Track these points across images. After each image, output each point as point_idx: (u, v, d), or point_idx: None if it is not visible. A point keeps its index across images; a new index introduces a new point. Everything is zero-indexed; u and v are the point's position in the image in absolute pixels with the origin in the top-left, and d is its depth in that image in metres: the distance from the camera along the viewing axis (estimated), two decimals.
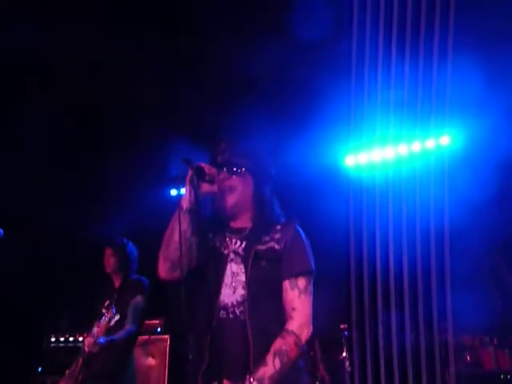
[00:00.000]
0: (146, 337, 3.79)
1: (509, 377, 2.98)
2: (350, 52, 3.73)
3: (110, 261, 3.48)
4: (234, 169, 1.86)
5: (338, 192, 3.70)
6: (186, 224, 1.78)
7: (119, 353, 3.25)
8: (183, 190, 1.86)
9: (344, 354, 3.34)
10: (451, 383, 3.13)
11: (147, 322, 3.88)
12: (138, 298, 3.37)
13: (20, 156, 3.99)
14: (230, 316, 1.77)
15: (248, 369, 1.69)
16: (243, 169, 1.87)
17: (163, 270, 1.83)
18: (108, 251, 3.51)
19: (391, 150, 3.67)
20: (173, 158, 4.56)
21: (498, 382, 3.00)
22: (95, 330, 3.24)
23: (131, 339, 3.33)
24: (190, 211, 1.79)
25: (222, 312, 1.78)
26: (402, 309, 3.36)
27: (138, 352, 3.74)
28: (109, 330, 3.11)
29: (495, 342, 3.11)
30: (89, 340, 3.12)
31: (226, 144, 1.94)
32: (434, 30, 3.44)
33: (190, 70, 3.78)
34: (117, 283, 3.52)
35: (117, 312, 3.16)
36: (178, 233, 1.76)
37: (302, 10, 3.33)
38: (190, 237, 1.78)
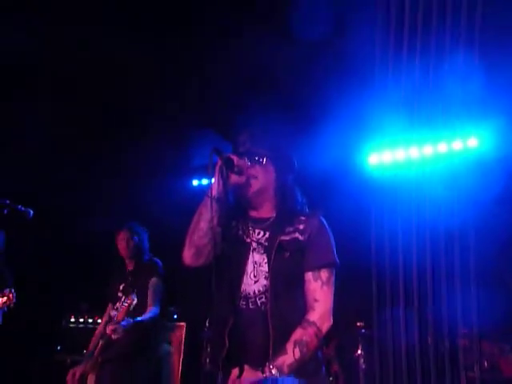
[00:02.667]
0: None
1: None
2: (375, 50, 3.70)
3: (123, 244, 3.43)
4: (256, 158, 1.87)
5: (361, 190, 3.69)
6: (212, 212, 1.79)
7: (143, 335, 3.20)
8: (212, 180, 1.88)
9: (359, 352, 3.33)
10: None
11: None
12: (155, 280, 3.32)
13: (42, 147, 4.03)
14: (251, 305, 1.79)
15: (268, 357, 1.70)
16: (265, 158, 1.88)
17: (188, 256, 1.85)
18: (121, 235, 3.46)
19: (416, 150, 3.63)
20: (195, 148, 4.59)
21: None
22: (114, 313, 3.21)
23: (156, 321, 3.26)
24: (218, 200, 1.81)
25: (243, 301, 1.80)
26: (423, 308, 3.33)
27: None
28: (129, 314, 3.07)
29: None
30: (111, 325, 3.06)
31: (248, 134, 1.94)
32: (460, 28, 3.39)
33: (214, 61, 3.80)
34: (130, 266, 3.46)
35: (135, 295, 3.12)
36: (204, 220, 1.80)
37: (322, 8, 3.33)
38: (215, 225, 1.80)
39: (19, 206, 2.65)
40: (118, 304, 3.29)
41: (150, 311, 3.20)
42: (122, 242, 3.45)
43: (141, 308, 3.18)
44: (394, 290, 3.47)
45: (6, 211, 2.59)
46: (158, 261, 3.43)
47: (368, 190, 3.72)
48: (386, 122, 3.66)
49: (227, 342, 1.75)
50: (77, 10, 3.58)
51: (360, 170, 3.81)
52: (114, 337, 3.05)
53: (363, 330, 3.37)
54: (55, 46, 3.70)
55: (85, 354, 3.28)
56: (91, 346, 3.31)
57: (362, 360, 3.27)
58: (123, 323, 3.04)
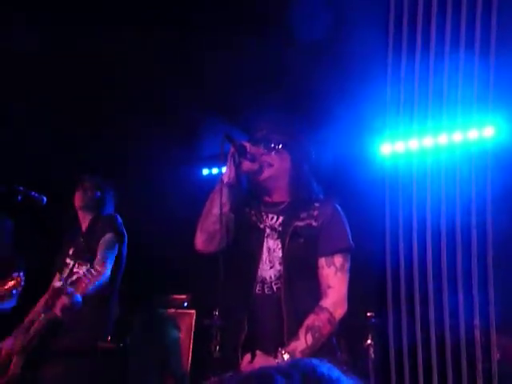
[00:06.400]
0: (173, 310, 3.84)
1: None
2: (387, 38, 3.64)
3: (80, 195, 2.79)
4: (272, 145, 1.87)
5: (374, 180, 3.65)
6: (225, 198, 1.79)
7: (97, 309, 2.55)
8: (224, 167, 1.88)
9: (369, 342, 3.31)
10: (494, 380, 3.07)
11: (174, 296, 3.93)
12: (109, 236, 2.64)
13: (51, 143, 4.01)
14: (267, 291, 1.78)
15: (281, 342, 1.70)
16: (280, 145, 1.87)
17: (200, 241, 1.85)
18: (80, 186, 2.80)
19: (429, 139, 3.59)
20: (205, 137, 4.57)
21: None
22: (59, 285, 2.48)
23: (108, 288, 2.56)
24: (230, 186, 1.82)
25: (259, 286, 1.79)
26: (439, 299, 3.30)
27: (164, 324, 3.80)
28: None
29: None
30: (62, 301, 2.31)
31: (265, 121, 1.95)
32: (475, 17, 3.32)
33: (227, 49, 3.76)
34: (84, 224, 2.80)
35: (86, 260, 2.48)
36: (216, 206, 1.80)
37: None
38: (228, 211, 1.79)
39: (32, 193, 2.65)
40: (65, 273, 2.62)
41: (98, 275, 2.39)
42: (78, 193, 2.81)
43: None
44: (408, 279, 3.44)
45: (19, 198, 2.59)
46: (116, 214, 2.79)
47: (381, 180, 3.68)
48: (399, 112, 3.61)
49: (246, 327, 1.74)
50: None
51: (373, 159, 3.76)
52: (61, 317, 2.35)
53: (373, 320, 3.34)
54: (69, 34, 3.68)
55: (16, 329, 2.62)
56: (26, 321, 2.64)
57: (371, 350, 3.25)
58: (78, 297, 2.30)
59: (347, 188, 3.24)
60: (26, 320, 2.65)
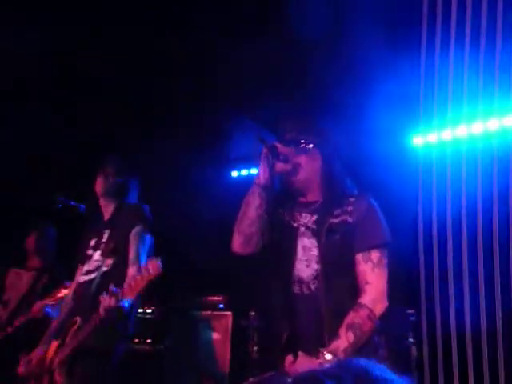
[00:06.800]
0: (209, 312, 3.86)
1: None
2: (421, 28, 3.56)
3: (101, 180, 2.54)
4: (302, 146, 1.86)
5: (407, 173, 3.58)
6: (259, 200, 1.79)
7: (124, 318, 2.25)
8: (258, 168, 1.88)
9: (410, 340, 3.25)
10: None
11: (209, 298, 3.95)
12: (139, 229, 2.40)
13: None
14: (305, 291, 1.77)
15: (322, 342, 1.68)
16: (311, 145, 1.86)
17: (237, 244, 1.86)
18: (110, 167, 2.55)
19: (464, 128, 3.49)
20: (234, 138, 4.58)
21: None
22: (84, 279, 2.36)
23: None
24: (264, 188, 1.82)
25: (297, 286, 1.78)
26: (475, 292, 3.20)
27: (200, 326, 3.82)
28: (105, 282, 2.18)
29: None
30: (106, 300, 2.03)
31: (294, 121, 1.94)
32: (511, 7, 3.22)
33: (254, 49, 3.76)
34: (107, 213, 2.55)
35: (111, 252, 2.29)
36: (251, 208, 1.81)
37: None
38: (263, 213, 1.79)
39: (71, 202, 2.70)
40: (88, 265, 2.41)
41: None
42: (99, 178, 2.56)
43: (117, 272, 2.28)
44: (443, 273, 3.36)
45: (60, 206, 2.66)
46: (144, 205, 2.55)
47: (414, 172, 3.61)
48: (432, 102, 3.53)
49: (288, 327, 1.74)
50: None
51: (405, 151, 3.69)
52: (102, 315, 2.08)
53: (413, 318, 3.27)
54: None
55: (46, 335, 2.39)
56: (54, 326, 2.42)
57: (413, 348, 3.18)
58: (124, 303, 2.02)
59: (379, 182, 3.18)
60: (54, 325, 2.43)
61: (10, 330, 3.07)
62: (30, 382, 2.32)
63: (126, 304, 2.08)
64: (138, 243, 2.38)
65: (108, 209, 2.57)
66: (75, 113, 4.02)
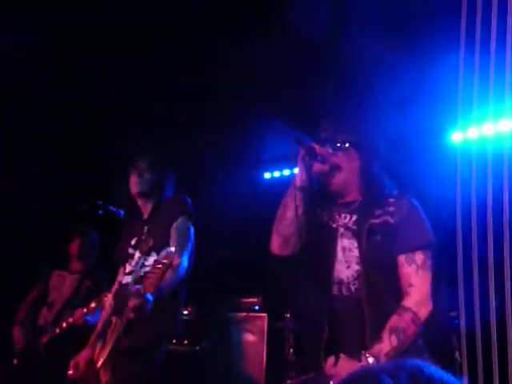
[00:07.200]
0: (245, 314, 3.86)
1: None
2: (459, 21, 3.46)
3: (135, 178, 2.39)
4: (338, 145, 1.82)
5: (446, 169, 3.48)
6: (297, 201, 1.78)
7: (166, 305, 2.17)
8: (296, 170, 1.87)
9: (454, 344, 3.15)
10: None
11: (244, 300, 3.94)
12: (182, 220, 2.29)
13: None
14: (345, 292, 1.75)
15: (363, 344, 1.65)
16: (347, 144, 1.83)
17: (276, 245, 1.86)
18: (141, 164, 2.40)
19: (506, 123, 3.37)
20: (266, 140, 4.56)
21: None
22: (127, 280, 2.28)
23: (186, 281, 2.26)
24: (302, 189, 1.80)
25: (336, 287, 1.76)
26: None
27: (236, 328, 3.82)
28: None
29: None
30: (133, 298, 2.00)
31: (329, 121, 1.91)
32: None
33: (281, 49, 3.73)
34: (145, 212, 2.44)
35: (150, 249, 2.22)
36: (289, 210, 1.80)
37: None
38: (301, 214, 1.77)
39: (111, 207, 2.72)
40: (130, 265, 2.33)
41: (176, 268, 2.10)
42: (133, 176, 2.41)
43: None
44: (483, 272, 3.24)
45: (100, 212, 2.68)
46: (186, 196, 2.43)
47: (453, 170, 3.50)
48: (472, 96, 3.42)
49: (327, 329, 1.71)
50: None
51: (445, 147, 3.60)
52: (131, 316, 2.04)
53: (456, 321, 3.18)
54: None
55: (93, 336, 2.38)
56: (99, 327, 2.39)
57: (457, 353, 3.08)
58: (149, 296, 1.97)
59: (418, 181, 3.11)
60: (98, 326, 2.42)
61: (57, 331, 3.13)
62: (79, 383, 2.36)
63: (150, 298, 2.01)
64: (179, 236, 2.27)
65: (147, 207, 2.45)
66: (113, 119, 4.07)
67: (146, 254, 2.28)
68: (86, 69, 3.72)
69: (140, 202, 2.49)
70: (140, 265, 2.24)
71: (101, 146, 4.12)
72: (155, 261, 2.02)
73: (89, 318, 2.98)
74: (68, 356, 2.50)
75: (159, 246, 2.19)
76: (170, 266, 1.97)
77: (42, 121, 3.77)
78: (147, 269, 2.12)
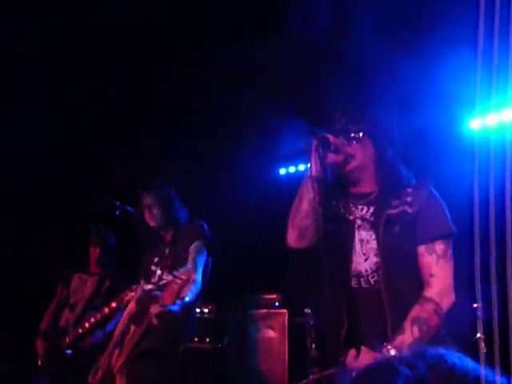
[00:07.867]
0: (265, 310, 3.85)
1: None
2: (476, 5, 3.38)
3: (148, 214, 2.68)
4: (352, 135, 1.80)
5: (464, 157, 3.41)
6: (312, 193, 1.77)
7: (178, 323, 2.47)
8: (310, 161, 1.85)
9: (478, 335, 3.09)
10: None
11: (265, 296, 3.94)
12: (198, 244, 2.61)
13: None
14: (364, 284, 1.73)
15: (385, 337, 1.63)
16: (361, 134, 1.81)
17: (292, 238, 1.85)
18: (143, 202, 2.68)
19: None
20: (281, 135, 4.53)
21: None
22: (148, 287, 2.51)
23: (194, 302, 2.53)
24: (317, 180, 1.78)
25: (354, 280, 1.74)
26: None
27: (257, 325, 3.82)
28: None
29: None
30: (155, 307, 2.31)
31: (342, 111, 1.88)
32: None
33: (297, 46, 3.70)
34: (167, 237, 2.77)
35: (170, 267, 2.49)
36: (305, 201, 1.78)
37: None
38: (316, 205, 1.76)
39: (128, 207, 2.73)
40: (151, 279, 2.60)
41: (190, 286, 2.41)
42: (145, 212, 2.71)
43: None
44: (501, 262, 3.17)
45: (117, 212, 2.69)
46: (202, 222, 2.73)
47: (471, 158, 3.43)
48: (490, 82, 3.34)
49: (346, 322, 1.69)
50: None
51: (463, 134, 3.53)
52: (155, 323, 2.34)
53: (479, 312, 3.11)
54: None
55: (111, 344, 2.59)
56: (117, 335, 2.60)
57: (482, 344, 3.02)
58: (173, 307, 2.28)
59: (434, 169, 3.05)
60: (116, 334, 2.61)
61: (79, 331, 3.16)
62: None
63: (174, 308, 2.31)
64: (195, 255, 2.61)
65: (167, 233, 2.79)
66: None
67: (165, 271, 2.54)
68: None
69: (161, 232, 2.81)
70: (160, 279, 2.51)
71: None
72: (174, 276, 2.35)
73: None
74: (91, 356, 2.53)
75: (178, 264, 2.53)
76: (188, 281, 2.34)
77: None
78: (166, 282, 2.42)
